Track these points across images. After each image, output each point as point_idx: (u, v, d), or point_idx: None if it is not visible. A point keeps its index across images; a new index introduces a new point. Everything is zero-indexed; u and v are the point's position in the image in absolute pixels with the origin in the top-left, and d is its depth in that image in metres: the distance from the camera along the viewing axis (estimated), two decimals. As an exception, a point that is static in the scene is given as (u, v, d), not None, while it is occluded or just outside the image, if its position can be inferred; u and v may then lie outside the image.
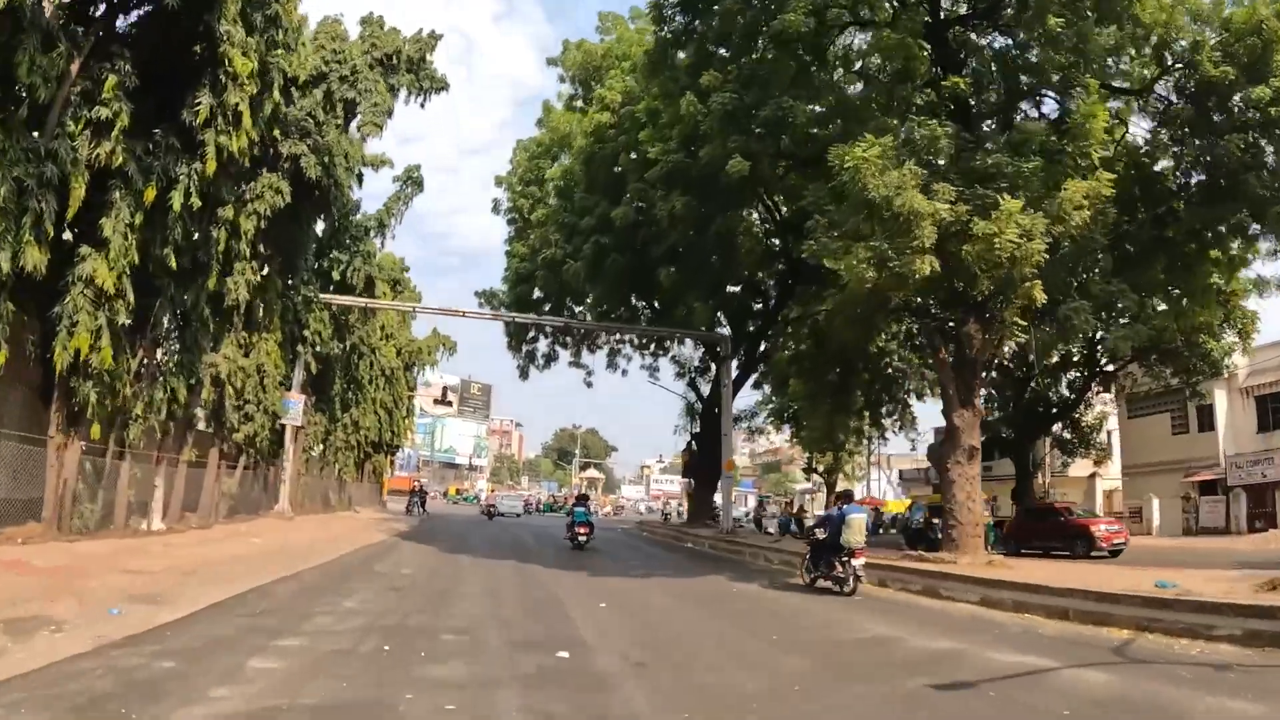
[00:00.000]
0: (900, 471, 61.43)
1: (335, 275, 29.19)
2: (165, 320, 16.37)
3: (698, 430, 36.32)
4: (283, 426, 25.49)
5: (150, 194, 14.58)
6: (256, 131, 16.50)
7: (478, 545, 22.77)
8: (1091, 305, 17.06)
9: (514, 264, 31.17)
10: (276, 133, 20.08)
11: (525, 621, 9.89)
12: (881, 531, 45.16)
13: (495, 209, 33.92)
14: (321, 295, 26.44)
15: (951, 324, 17.64)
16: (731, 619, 11.20)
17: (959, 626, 10.77)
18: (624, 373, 40.79)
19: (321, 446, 32.88)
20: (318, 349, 28.31)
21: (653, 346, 39.08)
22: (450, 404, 44.12)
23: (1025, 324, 16.43)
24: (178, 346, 17.60)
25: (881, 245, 14.37)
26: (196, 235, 16.54)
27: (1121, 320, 22.64)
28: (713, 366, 36.80)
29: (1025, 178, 15.01)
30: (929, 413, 43.02)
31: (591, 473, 68.80)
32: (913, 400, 39.60)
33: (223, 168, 15.63)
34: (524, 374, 35.02)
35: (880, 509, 50.21)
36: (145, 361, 16.24)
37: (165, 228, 15.05)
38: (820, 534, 14.28)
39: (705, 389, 37.83)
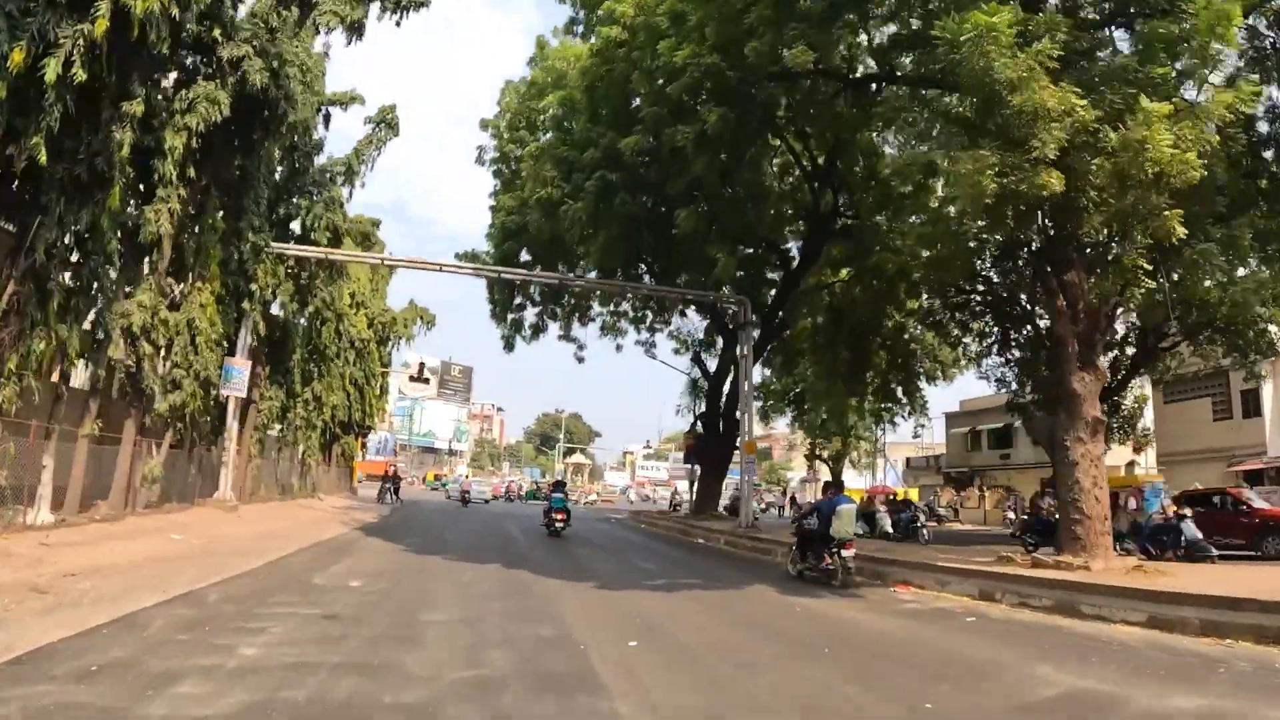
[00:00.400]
0: (908, 460, 58.17)
1: (296, 226, 25.18)
2: (50, 246, 12.37)
3: (703, 410, 32.68)
4: (226, 399, 21.54)
5: (17, 57, 10.67)
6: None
7: (454, 541, 19.04)
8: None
9: (500, 218, 27.15)
10: (217, 33, 16.10)
11: (529, 696, 5.93)
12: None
13: (479, 158, 29.98)
14: (274, 245, 22.43)
15: (1050, 269, 14.03)
16: (826, 661, 7.47)
17: (1162, 665, 7.32)
18: (618, 347, 37.18)
19: (280, 425, 28.88)
20: (272, 310, 24.34)
21: (650, 319, 35.42)
22: (428, 382, 40.14)
23: (1150, 268, 12.89)
24: (73, 286, 13.67)
25: (990, 157, 10.76)
26: (91, 142, 12.56)
27: (1206, 282, 19.36)
28: (719, 341, 33.13)
29: (1158, 85, 11.41)
30: (938, 398, 39.71)
31: (578, 458, 64.89)
32: (923, 383, 36.36)
33: (123, 37, 11.69)
34: (509, 345, 31.25)
35: (903, 500, 47.04)
36: (17, 299, 12.29)
37: (41, 111, 11.13)
38: (809, 524, 13.93)
39: (712, 365, 34.23)
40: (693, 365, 35.06)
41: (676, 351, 37.51)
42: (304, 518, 23.21)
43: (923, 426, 47.71)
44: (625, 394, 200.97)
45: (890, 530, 23.84)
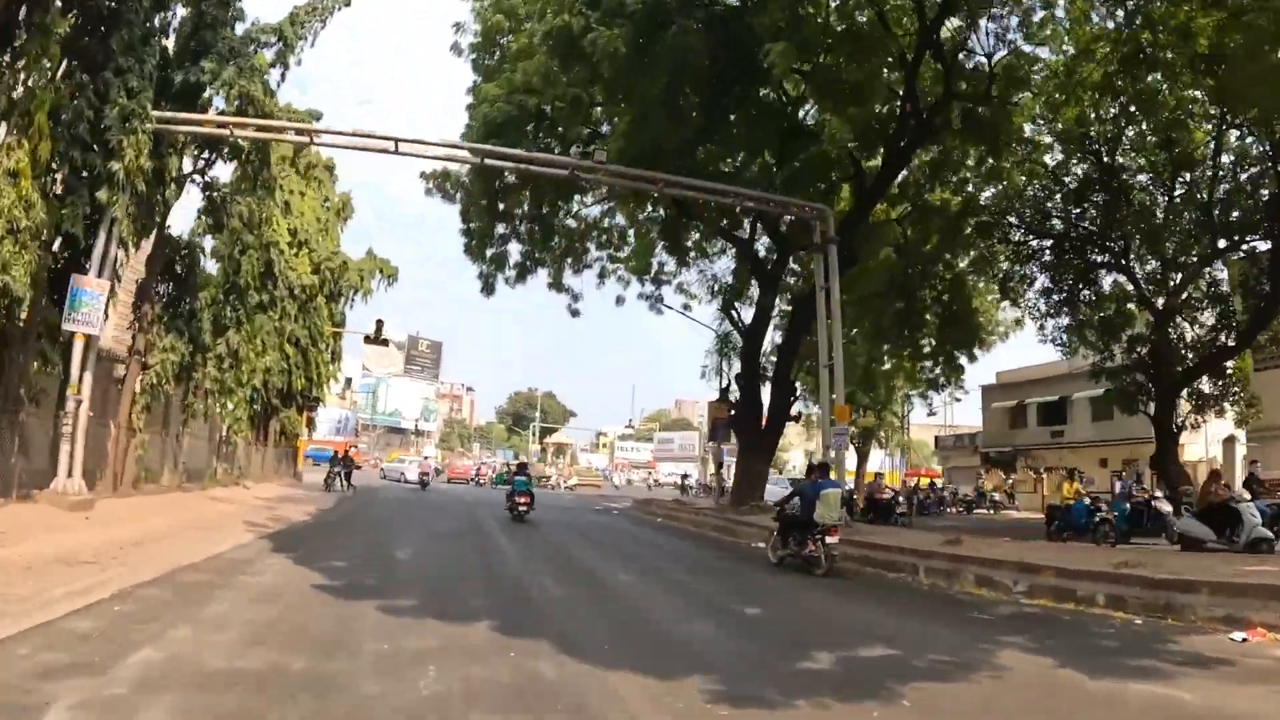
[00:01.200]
0: (935, 439, 52.13)
1: (202, 99, 17.95)
2: None
3: (739, 372, 26.07)
4: (67, 337, 14.40)
5: None
6: None
7: (409, 563, 12.10)
8: None
9: (481, 111, 19.95)
10: None
11: None
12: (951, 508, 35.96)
13: (455, 49, 22.72)
14: (157, 113, 15.27)
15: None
16: None
17: None
18: (619, 300, 30.55)
19: (185, 387, 21.68)
20: (157, 215, 17.09)
21: (654, 269, 28.84)
22: (387, 344, 32.92)
23: None
24: None
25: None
26: None
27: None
28: (754, 287, 26.38)
29: None
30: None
31: (559, 437, 57.40)
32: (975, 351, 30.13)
33: None
34: (488, 287, 24.48)
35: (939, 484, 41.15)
36: None
37: None
38: (791, 509, 13.07)
39: (747, 316, 27.61)
40: (720, 318, 28.46)
41: (686, 307, 30.83)
42: (200, 517, 16.15)
43: (957, 399, 41.84)
44: (599, 375, 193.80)
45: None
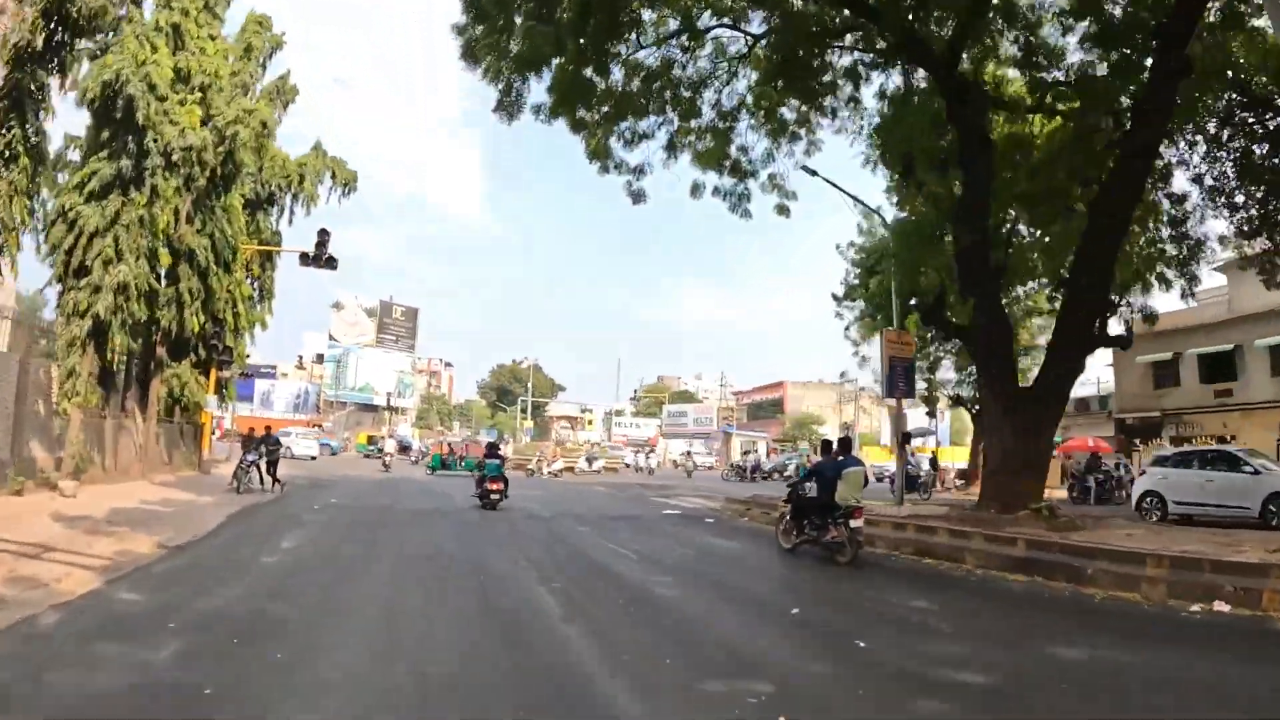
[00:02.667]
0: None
1: None
2: None
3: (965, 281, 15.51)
4: None
5: None
6: None
7: None
8: None
9: None
10: None
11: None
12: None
13: None
14: None
15: None
16: None
17: None
18: (696, 190, 19.59)
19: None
20: None
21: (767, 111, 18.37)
22: (334, 265, 21.78)
23: None
24: None
25: None
26: None
27: None
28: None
29: None
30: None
31: (566, 408, 45.34)
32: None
33: None
34: (508, 106, 13.43)
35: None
36: None
37: None
38: (805, 490, 11.74)
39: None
40: (900, 181, 17.88)
41: (783, 209, 19.70)
42: None
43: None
44: (580, 352, 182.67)
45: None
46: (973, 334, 15.90)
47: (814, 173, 18.06)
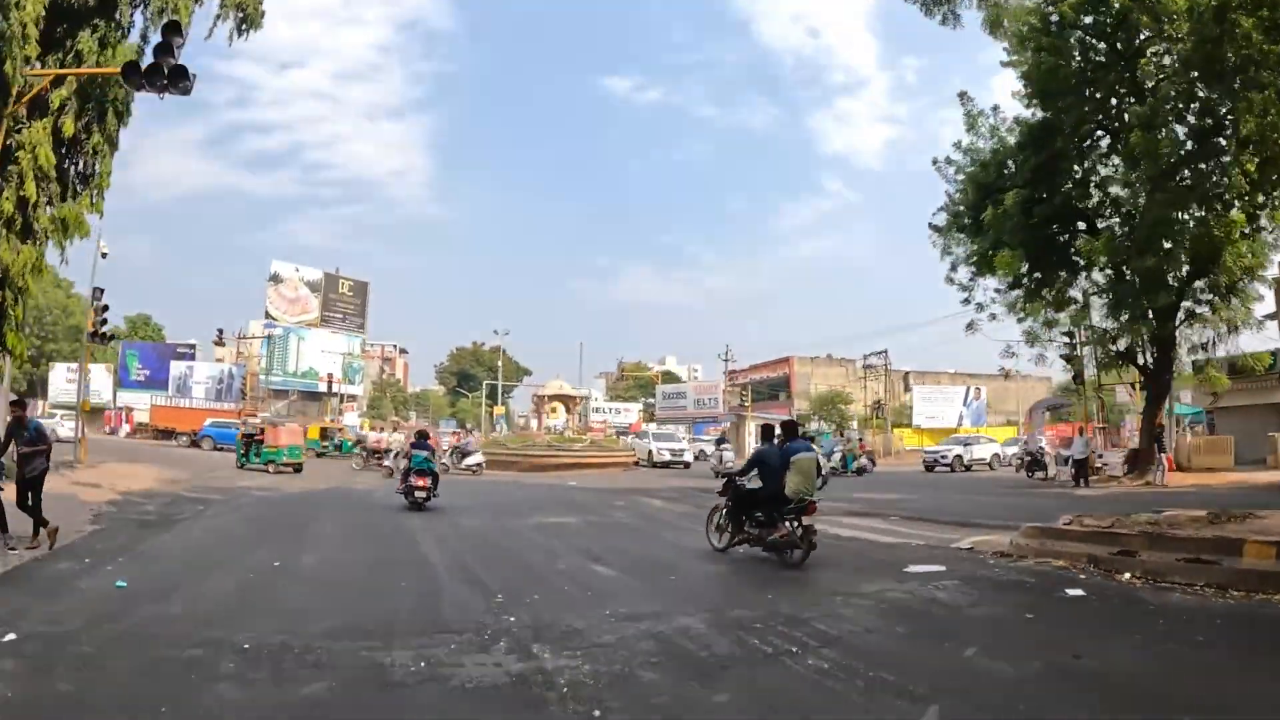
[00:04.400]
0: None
1: None
2: None
3: None
4: None
5: None
6: None
7: None
8: None
9: None
10: None
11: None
12: None
13: None
14: None
15: None
16: None
17: None
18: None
19: None
20: None
21: None
22: (164, 75, 11.99)
23: None
24: None
25: None
26: None
27: None
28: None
29: None
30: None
31: (560, 385, 34.84)
32: None
33: None
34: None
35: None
36: None
37: None
38: (744, 482, 10.39)
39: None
40: None
41: None
42: None
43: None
44: (541, 337, 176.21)
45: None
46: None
47: None
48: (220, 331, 51.66)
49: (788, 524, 9.58)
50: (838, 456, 31.36)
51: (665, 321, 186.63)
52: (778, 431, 10.74)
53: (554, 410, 33.94)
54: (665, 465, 35.41)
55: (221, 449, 37.16)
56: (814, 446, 11.34)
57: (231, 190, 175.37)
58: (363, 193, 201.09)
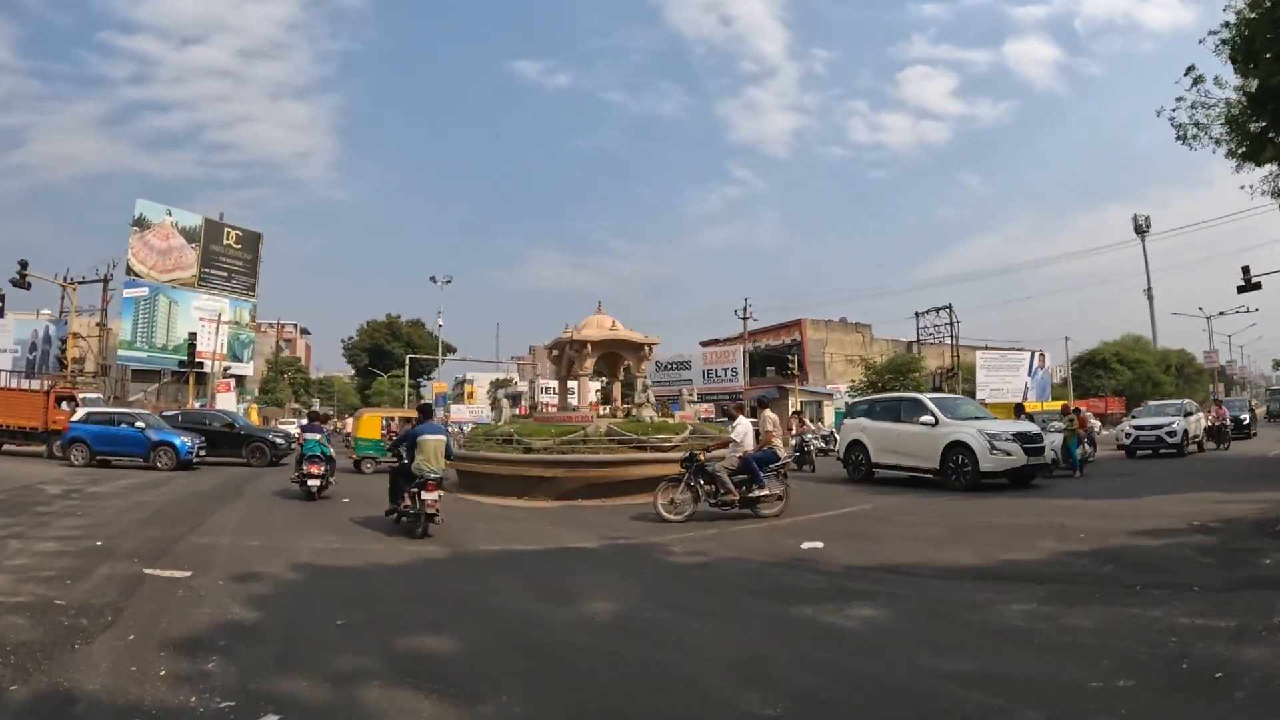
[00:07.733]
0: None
1: None
2: None
3: None
4: None
5: None
6: None
7: None
8: None
9: None
10: None
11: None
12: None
13: None
14: None
15: None
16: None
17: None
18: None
19: None
20: None
21: None
22: None
23: None
24: None
25: None
26: None
27: None
28: None
29: None
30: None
31: (614, 323, 22.71)
32: None
33: None
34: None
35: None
36: None
37: None
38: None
39: None
40: None
41: None
42: None
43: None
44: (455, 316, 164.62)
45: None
46: None
47: None
48: (23, 266, 32.67)
49: (411, 499, 10.73)
50: (1058, 442, 18.86)
51: (580, 308, 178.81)
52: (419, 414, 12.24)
53: (587, 368, 19.67)
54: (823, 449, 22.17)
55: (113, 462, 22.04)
56: (442, 428, 12.18)
57: (127, 172, 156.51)
58: (265, 175, 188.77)
